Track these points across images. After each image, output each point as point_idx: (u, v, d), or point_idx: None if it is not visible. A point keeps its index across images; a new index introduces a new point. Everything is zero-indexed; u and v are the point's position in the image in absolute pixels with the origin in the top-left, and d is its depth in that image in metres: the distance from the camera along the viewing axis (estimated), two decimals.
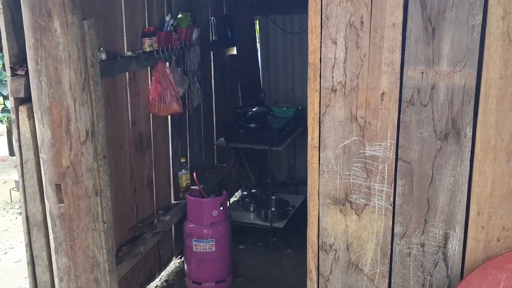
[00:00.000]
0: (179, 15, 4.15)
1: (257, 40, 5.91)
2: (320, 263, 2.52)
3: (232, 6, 5.50)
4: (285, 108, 5.24)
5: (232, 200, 5.61)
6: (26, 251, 2.76)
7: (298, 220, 5.18)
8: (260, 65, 5.88)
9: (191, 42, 4.38)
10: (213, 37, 5.19)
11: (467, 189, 2.23)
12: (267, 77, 5.90)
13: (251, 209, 5.17)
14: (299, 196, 5.51)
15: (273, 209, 5.02)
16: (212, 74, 5.22)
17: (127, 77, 3.59)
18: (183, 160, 4.44)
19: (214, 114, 5.33)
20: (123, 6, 3.49)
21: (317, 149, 2.39)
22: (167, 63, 4.01)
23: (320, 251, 2.50)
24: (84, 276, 2.59)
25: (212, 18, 5.13)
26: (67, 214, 2.51)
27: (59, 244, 2.56)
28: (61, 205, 2.49)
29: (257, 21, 5.84)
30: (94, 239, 2.60)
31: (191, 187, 4.44)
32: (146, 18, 3.81)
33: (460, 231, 2.28)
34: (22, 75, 2.53)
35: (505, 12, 2.01)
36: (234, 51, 5.70)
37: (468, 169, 2.21)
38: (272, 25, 5.69)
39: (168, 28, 3.94)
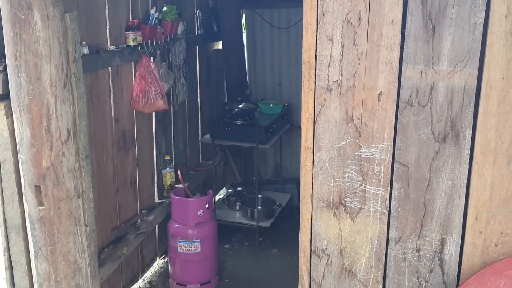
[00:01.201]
0: (164, 8, 4.02)
1: (244, 35, 5.80)
2: (312, 268, 2.43)
3: None
4: (272, 105, 5.14)
5: (217, 198, 5.51)
6: (4, 255, 2.63)
7: (284, 219, 5.11)
8: (246, 60, 5.77)
9: (177, 36, 4.25)
10: (199, 31, 5.06)
11: (465, 193, 2.16)
12: (253, 72, 5.80)
13: (237, 207, 5.08)
14: (286, 194, 5.43)
15: (259, 207, 4.93)
16: (198, 69, 5.11)
17: (110, 73, 3.46)
18: (167, 158, 4.33)
19: (199, 110, 5.21)
20: None
21: (311, 150, 2.29)
22: (152, 58, 3.88)
23: (312, 256, 2.42)
24: (65, 282, 2.47)
25: (198, 11, 5.01)
26: (47, 217, 2.39)
27: (38, 248, 2.44)
28: (41, 208, 2.37)
29: (244, 15, 5.72)
30: (76, 243, 2.48)
31: (176, 185, 4.33)
32: (130, 11, 3.67)
33: (457, 236, 2.21)
34: (0, 70, 2.39)
35: (509, 11, 1.94)
36: (220, 45, 5.58)
37: (467, 173, 2.14)
38: (259, 19, 5.58)
39: (153, 22, 3.81)
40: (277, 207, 5.00)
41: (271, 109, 5.06)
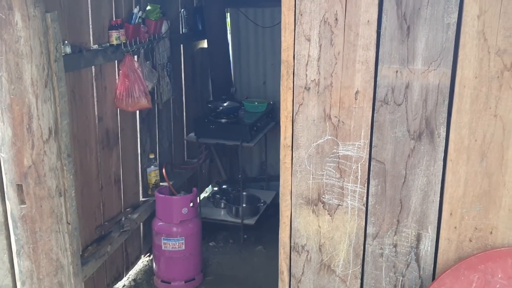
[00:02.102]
0: (148, 7, 4.03)
1: (229, 33, 5.82)
2: (292, 264, 2.47)
3: None
4: (256, 103, 5.17)
5: (202, 196, 5.53)
6: None
7: (269, 216, 5.14)
8: (231, 59, 5.80)
9: (160, 35, 4.27)
10: (183, 30, 5.08)
11: (440, 189, 2.21)
12: (238, 71, 5.82)
13: (222, 205, 5.10)
14: (271, 191, 5.47)
15: (244, 205, 4.97)
16: (182, 67, 5.12)
17: (93, 72, 3.47)
18: (152, 156, 4.34)
19: (184, 108, 5.23)
20: None
21: (290, 148, 2.33)
22: (135, 57, 3.90)
23: (292, 252, 2.45)
24: (48, 279, 2.49)
25: (182, 10, 5.02)
26: (29, 215, 2.40)
27: (21, 246, 2.45)
28: (23, 206, 2.39)
29: (228, 14, 5.74)
30: (58, 241, 2.50)
31: (161, 183, 4.35)
32: (113, 10, 3.68)
33: (432, 231, 2.26)
34: None
35: (481, 11, 1.99)
36: (204, 44, 5.60)
37: (441, 169, 2.18)
38: (244, 18, 5.60)
39: (136, 21, 3.82)
40: (262, 204, 5.04)
41: (256, 107, 5.09)
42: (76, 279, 2.63)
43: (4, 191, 2.46)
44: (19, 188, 2.37)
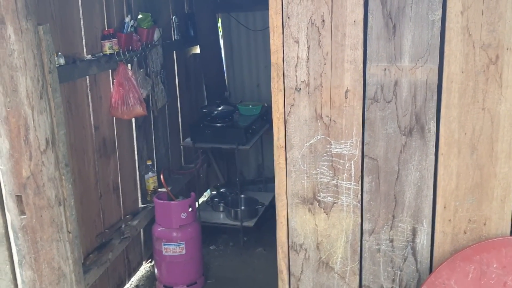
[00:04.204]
0: (139, 16, 4.07)
1: (221, 38, 5.86)
2: (290, 263, 2.50)
3: (194, 4, 5.43)
4: (251, 106, 5.21)
5: (201, 200, 5.56)
6: None
7: (268, 217, 5.16)
8: (224, 63, 5.84)
9: (153, 42, 4.31)
10: (176, 37, 5.12)
11: (433, 183, 2.24)
12: (231, 75, 5.87)
13: (221, 208, 5.14)
14: (268, 193, 5.50)
15: (242, 208, 5.00)
16: (176, 74, 5.16)
17: (88, 81, 3.51)
18: (149, 162, 4.37)
19: (179, 114, 5.27)
20: (80, 8, 3.40)
21: (283, 149, 2.37)
22: (129, 65, 3.94)
23: (290, 251, 2.49)
24: None
25: (174, 17, 5.07)
26: (30, 226, 2.43)
27: (22, 257, 2.48)
28: (23, 217, 2.41)
29: (220, 19, 5.78)
30: (59, 250, 2.53)
31: (159, 189, 4.38)
32: (105, 20, 3.72)
33: (427, 225, 2.30)
34: None
35: (464, 7, 2.03)
36: (197, 50, 5.64)
37: (433, 164, 2.22)
38: (235, 22, 5.65)
39: (129, 30, 3.86)
40: (260, 206, 5.07)
41: (250, 110, 5.13)
42: (79, 286, 2.66)
43: (3, 202, 2.49)
44: (19, 199, 2.40)
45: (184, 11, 5.38)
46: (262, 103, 5.36)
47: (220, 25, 5.80)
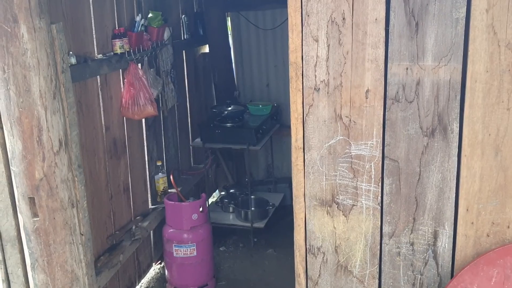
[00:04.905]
0: (150, 15, 4.03)
1: (230, 37, 5.81)
2: (308, 266, 2.46)
3: (203, 3, 5.39)
4: (261, 106, 5.16)
5: (210, 201, 5.52)
6: (0, 268, 2.63)
7: (278, 218, 5.13)
8: (233, 63, 5.79)
9: (163, 41, 4.26)
10: (185, 36, 5.08)
11: (455, 185, 2.19)
12: (241, 74, 5.82)
13: (231, 209, 5.09)
14: (278, 194, 5.46)
15: (252, 208, 4.95)
16: (186, 73, 5.12)
17: (99, 81, 3.47)
18: (159, 163, 4.33)
19: (189, 114, 5.22)
20: (91, 7, 3.36)
21: (302, 150, 2.31)
22: (139, 65, 3.89)
23: (308, 255, 2.44)
24: None
25: (183, 16, 5.02)
26: (43, 228, 2.39)
27: (35, 260, 2.44)
28: (35, 219, 2.38)
29: (229, 18, 5.74)
30: (72, 253, 2.49)
31: (169, 190, 4.34)
32: (116, 19, 3.68)
33: (449, 228, 2.24)
34: None
35: (489, 5, 1.97)
36: (206, 49, 5.60)
37: (456, 165, 2.17)
38: (244, 21, 5.60)
39: (139, 29, 3.82)
40: (271, 207, 5.03)
41: (260, 110, 5.08)
42: None
43: (16, 204, 2.45)
44: (31, 201, 2.36)
45: (193, 10, 5.34)
46: (271, 102, 5.31)
47: (229, 24, 5.75)
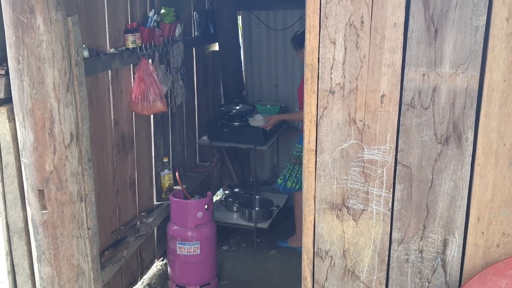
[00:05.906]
0: (162, 10, 4.02)
1: (240, 36, 5.80)
2: (315, 270, 2.44)
3: (215, 1, 5.38)
4: (269, 106, 5.15)
5: (214, 199, 5.51)
6: (6, 259, 2.62)
7: (282, 219, 5.12)
8: (243, 62, 5.78)
9: (174, 38, 4.25)
10: (196, 33, 5.07)
11: (467, 194, 2.17)
12: (250, 74, 5.81)
13: (235, 209, 5.08)
14: (283, 195, 5.44)
15: (257, 209, 4.94)
16: (195, 71, 5.11)
17: (110, 75, 3.45)
18: (165, 159, 4.33)
19: (196, 112, 5.21)
20: (105, 1, 3.35)
21: (314, 152, 2.30)
22: (150, 60, 3.88)
23: (315, 258, 2.42)
24: (69, 285, 2.47)
25: (195, 13, 5.01)
26: (51, 221, 2.38)
27: (42, 252, 2.43)
28: (44, 211, 2.37)
29: (240, 17, 5.72)
30: (79, 246, 2.48)
31: (174, 187, 4.33)
32: (129, 14, 3.67)
33: (459, 236, 2.23)
34: (2, 74, 2.38)
35: (510, 13, 1.96)
36: (216, 47, 5.59)
37: (469, 174, 2.15)
38: (255, 20, 5.59)
39: (152, 24, 3.80)
40: (275, 208, 5.01)
41: (268, 110, 5.07)
42: (96, 284, 2.61)
43: (24, 196, 2.44)
44: (41, 193, 2.35)
45: (205, 7, 5.33)
46: (279, 103, 5.30)
47: (240, 23, 5.74)
